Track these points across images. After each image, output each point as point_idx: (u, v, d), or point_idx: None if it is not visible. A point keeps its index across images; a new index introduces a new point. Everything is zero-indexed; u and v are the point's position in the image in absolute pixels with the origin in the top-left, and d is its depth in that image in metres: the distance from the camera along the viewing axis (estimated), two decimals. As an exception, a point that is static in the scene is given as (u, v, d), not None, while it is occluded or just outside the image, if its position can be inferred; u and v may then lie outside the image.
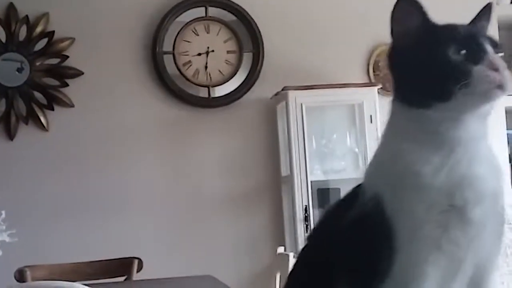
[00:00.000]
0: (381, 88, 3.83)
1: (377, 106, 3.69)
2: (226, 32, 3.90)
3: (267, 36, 3.91)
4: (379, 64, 3.99)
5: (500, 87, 1.10)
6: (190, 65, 3.86)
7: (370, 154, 3.65)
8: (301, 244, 3.51)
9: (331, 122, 3.88)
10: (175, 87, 3.83)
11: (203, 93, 3.89)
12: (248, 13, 3.89)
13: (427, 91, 1.13)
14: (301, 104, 3.66)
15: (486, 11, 1.24)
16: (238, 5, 3.88)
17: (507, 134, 3.88)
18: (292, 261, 2.88)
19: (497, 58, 1.12)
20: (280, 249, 3.13)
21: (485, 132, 1.17)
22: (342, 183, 3.67)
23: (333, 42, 3.97)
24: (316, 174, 3.74)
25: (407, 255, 1.11)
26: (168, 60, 3.83)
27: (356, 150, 3.80)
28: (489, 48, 1.13)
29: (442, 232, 1.11)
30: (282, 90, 3.69)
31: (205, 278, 2.99)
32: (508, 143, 3.88)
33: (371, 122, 3.69)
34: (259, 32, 3.89)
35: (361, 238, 1.16)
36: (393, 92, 1.20)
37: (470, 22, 1.23)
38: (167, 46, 3.83)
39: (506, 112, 3.87)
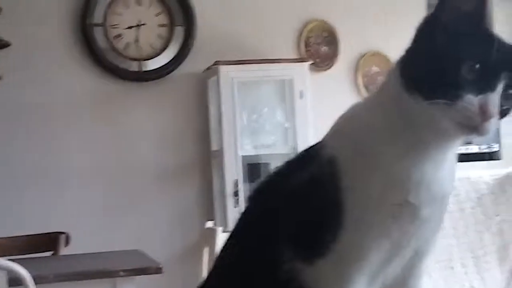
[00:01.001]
0: (312, 64, 3.87)
1: (307, 82, 3.73)
2: (158, 5, 3.87)
3: (200, 10, 3.89)
4: (311, 40, 4.02)
5: (475, 130, 1.04)
6: (121, 38, 3.82)
7: (300, 130, 3.72)
8: (231, 218, 3.55)
9: (262, 97, 3.91)
10: (105, 60, 3.78)
11: (134, 67, 3.85)
12: (180, -14, 3.86)
13: (432, 85, 1.07)
14: (232, 79, 3.67)
15: None
16: (170, -23, 3.85)
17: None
18: (220, 235, 2.92)
19: (493, 103, 1.05)
20: (209, 224, 3.17)
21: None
22: (272, 158, 3.71)
23: (266, 18, 3.98)
24: (247, 149, 3.77)
25: (353, 235, 1.10)
26: (98, 32, 3.78)
27: (286, 125, 3.84)
28: (498, 87, 1.06)
29: (392, 223, 1.11)
30: (214, 64, 3.69)
31: (133, 252, 3.00)
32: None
33: (301, 97, 3.73)
34: (192, 6, 3.87)
35: (310, 204, 1.13)
36: (399, 64, 1.12)
37: None
38: (97, 18, 3.78)
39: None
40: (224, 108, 3.66)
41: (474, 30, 1.08)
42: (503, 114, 1.07)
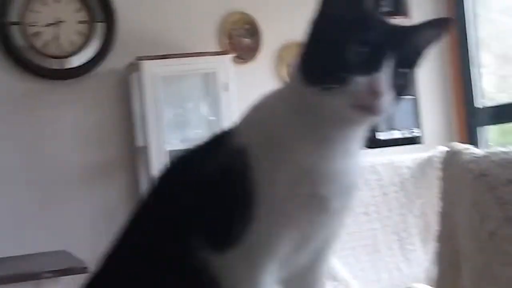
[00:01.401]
0: (236, 56, 3.88)
1: (231, 74, 3.74)
2: (77, 2, 3.81)
3: (120, 5, 3.85)
4: (233, 32, 4.04)
5: (369, 110, 1.07)
6: (40, 36, 3.75)
7: (226, 122, 3.73)
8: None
9: (186, 91, 3.90)
10: (24, 59, 3.71)
11: (54, 64, 3.79)
12: (98, -18, 3.82)
13: (321, 71, 1.10)
14: (155, 74, 3.65)
15: (440, 23, 1.19)
16: (87, -27, 3.80)
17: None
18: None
19: (381, 82, 1.07)
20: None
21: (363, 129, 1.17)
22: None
23: (187, 11, 3.97)
24: (173, 144, 3.75)
25: (263, 226, 1.11)
26: (16, 31, 3.70)
27: (212, 118, 3.84)
28: (385, 66, 1.08)
29: (303, 214, 1.13)
30: (136, 60, 3.66)
31: (59, 253, 2.97)
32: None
33: (226, 90, 3.74)
34: (111, 1, 3.83)
35: (220, 194, 1.14)
36: (299, 60, 1.15)
37: (415, 26, 1.15)
38: (14, 16, 3.70)
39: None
40: (148, 103, 3.64)
41: (354, 14, 1.10)
42: (399, 92, 1.10)
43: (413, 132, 4.02)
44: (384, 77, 1.07)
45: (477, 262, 1.93)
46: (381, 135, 3.99)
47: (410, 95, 1.04)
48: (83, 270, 2.54)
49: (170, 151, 3.69)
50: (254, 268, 1.13)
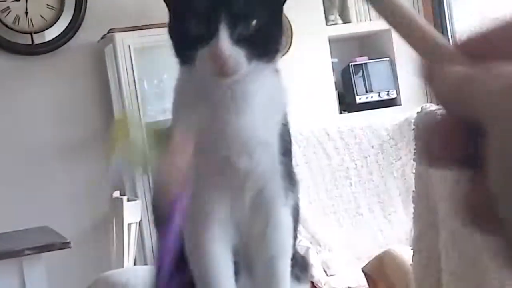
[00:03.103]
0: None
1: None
2: (45, -25, 3.75)
3: (89, -23, 3.80)
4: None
5: (222, 74, 1.08)
6: (9, 12, 3.69)
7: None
8: (139, 186, 3.53)
9: (161, 63, 3.85)
10: (-6, 35, 3.66)
11: (26, 40, 3.73)
12: (66, -46, 3.75)
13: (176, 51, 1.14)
14: (129, 46, 3.61)
15: None
16: None
17: (332, 62, 4.03)
18: (126, 204, 2.90)
19: (220, 49, 1.07)
20: (116, 193, 3.13)
21: (265, 81, 1.17)
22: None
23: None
24: (150, 115, 3.73)
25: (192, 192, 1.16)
26: (-16, 8, 3.65)
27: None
28: (221, 30, 1.07)
29: (214, 177, 1.17)
30: (108, 32, 3.62)
31: (40, 229, 2.95)
32: (333, 71, 4.03)
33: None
34: (80, -27, 3.77)
35: None
36: None
37: None
38: (-19, -7, 3.64)
39: (330, 41, 4.01)
40: (123, 76, 3.60)
41: None
42: (260, 43, 1.10)
43: (390, 94, 4.01)
44: (223, 40, 1.07)
45: (453, 222, 1.94)
46: (358, 98, 3.98)
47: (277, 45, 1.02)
48: (64, 245, 2.52)
49: (147, 123, 3.67)
50: (197, 234, 1.18)
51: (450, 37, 4.02)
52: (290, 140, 1.27)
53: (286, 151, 1.24)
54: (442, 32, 4.01)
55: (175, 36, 1.14)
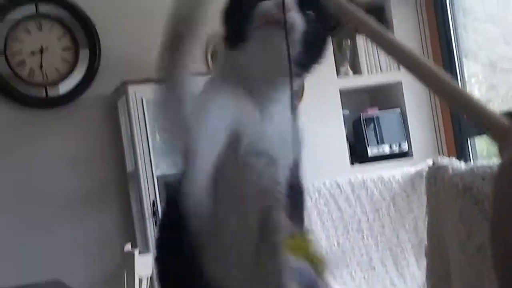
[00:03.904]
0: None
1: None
2: (60, 29, 3.80)
3: (103, 30, 3.84)
4: (218, 53, 4.03)
5: (279, 23, 1.15)
6: (25, 65, 3.74)
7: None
8: (152, 239, 3.51)
9: (173, 114, 3.88)
10: (10, 88, 3.70)
11: (40, 93, 3.77)
12: (81, 8, 3.81)
13: (231, 32, 1.23)
14: (142, 98, 3.63)
15: None
16: (69, 0, 3.79)
17: (343, 114, 4.04)
18: (137, 257, 2.88)
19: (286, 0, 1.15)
20: (127, 247, 3.12)
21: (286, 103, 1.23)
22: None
23: (171, 34, 3.96)
24: (163, 168, 3.73)
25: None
26: (0, 61, 3.69)
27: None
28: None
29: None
30: (121, 85, 3.65)
31: (52, 283, 2.93)
32: (344, 123, 4.04)
33: (212, 111, 3.72)
34: (94, 27, 3.83)
35: None
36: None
37: None
38: (-2, 46, 3.70)
39: (341, 93, 4.03)
40: (135, 128, 3.62)
41: None
42: (311, 30, 1.18)
43: (402, 146, 4.01)
44: None
45: (467, 275, 1.92)
46: (370, 150, 3.98)
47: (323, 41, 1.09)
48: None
49: (160, 176, 3.67)
50: None
51: (459, 79, 4.03)
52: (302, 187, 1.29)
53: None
54: (451, 73, 4.03)
55: (233, 8, 1.22)
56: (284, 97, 1.24)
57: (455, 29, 4.05)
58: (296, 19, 1.16)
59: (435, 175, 2.07)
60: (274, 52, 1.18)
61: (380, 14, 4.20)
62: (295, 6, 1.17)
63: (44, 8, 3.78)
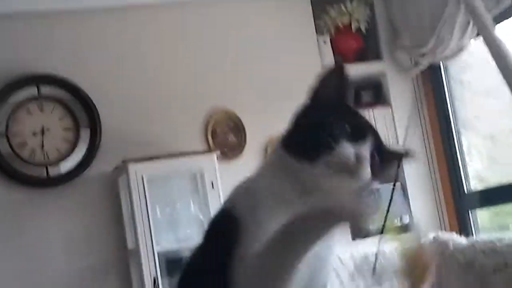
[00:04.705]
0: (221, 153, 3.90)
1: (217, 172, 3.74)
2: (61, 110, 3.85)
3: (103, 110, 3.89)
4: (217, 130, 4.07)
5: (354, 172, 1.23)
6: (26, 146, 3.77)
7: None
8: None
9: (174, 191, 3.90)
10: (10, 168, 3.72)
11: (41, 173, 3.79)
12: (82, 89, 3.86)
13: (304, 146, 1.27)
14: (142, 176, 3.64)
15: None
16: (71, 82, 3.85)
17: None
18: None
19: (365, 151, 1.25)
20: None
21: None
22: (190, 251, 3.65)
23: (170, 112, 4.01)
24: (163, 245, 3.72)
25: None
26: (1, 142, 3.72)
27: (201, 217, 3.82)
28: (369, 143, 1.26)
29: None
30: (122, 163, 3.68)
31: None
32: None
33: (213, 188, 3.73)
34: (95, 107, 3.88)
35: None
36: (282, 140, 1.35)
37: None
38: (-1, 127, 3.74)
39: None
40: (136, 205, 3.62)
41: (338, 103, 1.34)
42: (376, 172, 1.28)
43: (403, 219, 3.99)
44: (367, 148, 1.26)
45: None
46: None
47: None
48: None
49: (161, 252, 3.66)
50: None
51: (457, 150, 4.05)
52: None
53: None
54: (449, 144, 4.05)
55: (319, 127, 1.26)
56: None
57: (451, 101, 4.10)
58: (367, 175, 1.25)
59: (436, 250, 2.06)
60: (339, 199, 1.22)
61: (378, 87, 4.26)
62: (368, 157, 1.27)
63: (45, 90, 3.84)
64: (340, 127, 1.26)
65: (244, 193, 1.33)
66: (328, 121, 1.27)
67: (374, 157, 1.28)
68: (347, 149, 1.24)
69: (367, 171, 1.25)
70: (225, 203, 1.37)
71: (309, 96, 1.37)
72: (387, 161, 1.35)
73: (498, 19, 3.54)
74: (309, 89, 1.39)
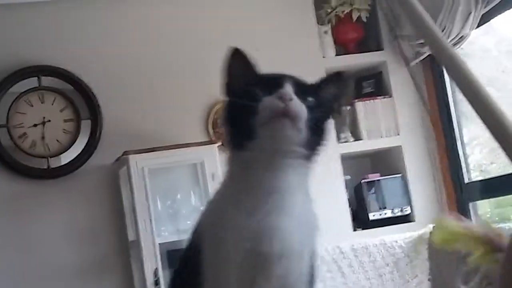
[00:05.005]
0: (222, 144, 3.89)
1: (218, 163, 3.73)
2: (62, 101, 3.85)
3: (104, 101, 3.89)
4: (218, 121, 4.06)
5: (285, 114, 1.22)
6: (26, 137, 3.77)
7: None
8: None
9: (175, 183, 3.90)
10: (11, 160, 3.73)
11: (42, 164, 3.79)
12: (82, 81, 3.86)
13: (237, 134, 1.29)
14: (143, 168, 3.64)
15: (333, 78, 1.40)
16: (72, 73, 3.85)
17: (344, 180, 4.05)
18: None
19: (286, 91, 1.24)
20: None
21: (302, 188, 1.27)
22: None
23: (171, 103, 4.01)
24: (164, 236, 3.73)
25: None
26: (2, 133, 3.73)
27: (202, 208, 3.81)
28: (287, 87, 1.26)
29: (243, 271, 1.24)
30: (123, 155, 3.67)
31: None
32: (346, 188, 4.04)
33: (213, 179, 3.73)
34: (96, 98, 3.87)
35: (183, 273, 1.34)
36: (225, 143, 1.43)
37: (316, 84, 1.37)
38: (0, 119, 3.73)
39: (342, 158, 4.04)
40: (136, 197, 3.62)
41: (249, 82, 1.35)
42: (314, 119, 1.28)
43: (404, 210, 4.00)
44: (289, 88, 1.26)
45: None
46: (372, 215, 3.96)
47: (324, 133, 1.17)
48: None
49: (162, 244, 3.66)
50: None
51: (459, 141, 4.04)
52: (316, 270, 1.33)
53: (312, 279, 1.28)
54: (450, 135, 4.04)
55: (234, 112, 1.30)
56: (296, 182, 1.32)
57: (453, 92, 4.09)
58: (299, 106, 1.24)
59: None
60: (284, 140, 1.26)
61: (378, 77, 4.25)
62: (295, 96, 1.26)
63: (46, 81, 3.84)
64: (253, 92, 1.27)
65: (204, 211, 1.41)
66: (242, 97, 1.29)
67: (308, 93, 1.30)
68: (268, 100, 1.25)
69: (297, 104, 1.24)
70: (193, 228, 1.43)
71: (222, 91, 1.39)
72: (325, 89, 1.36)
73: (492, 14, 3.55)
74: (220, 87, 1.42)
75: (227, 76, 1.37)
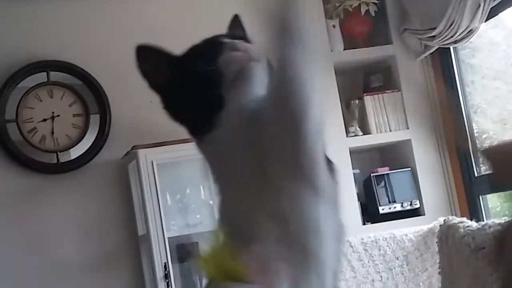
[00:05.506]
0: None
1: (227, 157, 3.73)
2: (71, 96, 3.86)
3: (113, 96, 3.90)
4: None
5: (251, 59, 1.22)
6: (36, 132, 3.78)
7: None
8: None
9: (184, 177, 3.90)
10: (21, 155, 3.74)
11: (51, 159, 3.81)
12: (91, 75, 3.87)
13: (200, 113, 1.31)
14: (152, 162, 3.65)
15: (235, 22, 1.43)
16: (80, 68, 3.85)
17: (353, 173, 4.04)
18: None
19: (236, 42, 1.25)
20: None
21: None
22: (200, 237, 3.68)
23: (180, 98, 4.00)
24: (174, 230, 3.73)
25: None
26: (11, 128, 3.74)
27: (211, 202, 3.83)
28: (228, 40, 1.26)
29: None
30: (132, 149, 3.68)
31: None
32: (355, 182, 4.04)
33: (223, 173, 3.72)
34: (104, 93, 3.88)
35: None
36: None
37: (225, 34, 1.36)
38: (9, 114, 3.74)
39: (351, 152, 4.04)
40: (146, 192, 3.63)
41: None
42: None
43: (413, 204, 3.99)
44: (234, 40, 1.27)
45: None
46: (381, 209, 3.96)
47: None
48: None
49: (171, 238, 3.66)
50: None
51: (469, 135, 4.02)
52: None
53: None
54: (461, 129, 4.04)
55: (187, 94, 1.30)
56: None
57: (462, 85, 4.07)
58: (254, 48, 1.26)
59: (446, 234, 2.06)
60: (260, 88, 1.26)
61: (387, 71, 4.24)
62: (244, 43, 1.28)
63: (55, 76, 3.84)
64: (199, 65, 1.28)
65: None
66: (193, 74, 1.30)
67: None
68: (224, 57, 1.26)
69: (249, 47, 1.25)
70: None
71: (157, 94, 1.42)
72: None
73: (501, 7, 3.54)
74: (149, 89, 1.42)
75: (162, 74, 1.39)
